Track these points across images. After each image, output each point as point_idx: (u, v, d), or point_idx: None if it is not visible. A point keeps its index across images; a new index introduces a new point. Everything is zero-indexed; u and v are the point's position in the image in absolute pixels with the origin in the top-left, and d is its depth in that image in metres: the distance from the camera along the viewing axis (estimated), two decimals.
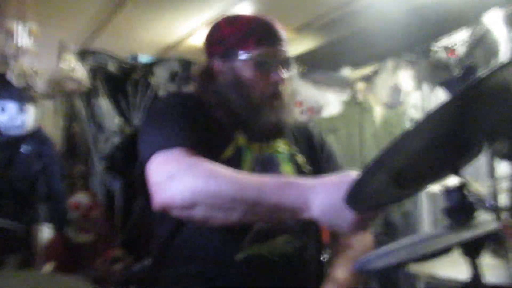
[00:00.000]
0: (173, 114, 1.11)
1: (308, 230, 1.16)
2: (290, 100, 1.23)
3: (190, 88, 1.36)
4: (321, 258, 1.24)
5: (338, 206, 0.82)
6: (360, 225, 0.86)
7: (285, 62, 1.20)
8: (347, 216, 0.83)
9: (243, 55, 1.16)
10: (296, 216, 0.87)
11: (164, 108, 1.17)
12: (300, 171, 1.21)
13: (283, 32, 1.21)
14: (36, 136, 2.40)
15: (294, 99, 1.28)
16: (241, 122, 1.17)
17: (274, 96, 1.18)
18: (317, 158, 1.29)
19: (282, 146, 1.22)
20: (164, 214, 1.08)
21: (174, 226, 1.12)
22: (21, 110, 2.32)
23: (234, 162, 1.10)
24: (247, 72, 1.16)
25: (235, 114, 1.17)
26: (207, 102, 1.19)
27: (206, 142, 1.07)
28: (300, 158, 1.23)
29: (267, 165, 1.17)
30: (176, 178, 0.92)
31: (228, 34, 1.19)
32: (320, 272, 1.19)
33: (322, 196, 0.85)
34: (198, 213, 0.91)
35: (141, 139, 1.09)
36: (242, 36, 1.17)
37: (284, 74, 1.19)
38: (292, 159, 1.22)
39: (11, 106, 2.31)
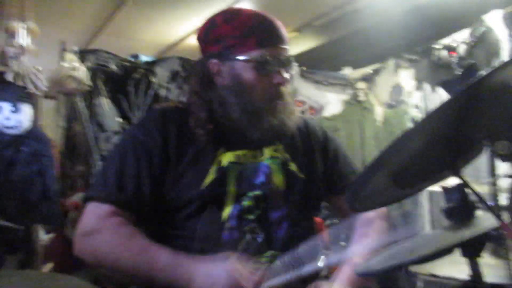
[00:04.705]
0: (125, 156, 1.12)
1: (298, 242, 1.11)
2: (291, 101, 1.19)
3: (186, 89, 1.30)
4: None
5: (215, 282, 0.94)
6: None
7: (287, 63, 1.15)
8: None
9: (242, 56, 1.11)
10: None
11: (123, 144, 1.17)
12: (292, 179, 1.16)
13: (284, 30, 1.16)
14: (34, 135, 2.39)
15: (295, 99, 1.24)
16: (234, 128, 1.13)
17: (276, 98, 1.13)
18: (316, 161, 1.24)
19: (273, 153, 1.17)
20: (160, 219, 1.09)
21: (166, 236, 1.11)
22: (16, 110, 2.32)
23: (216, 187, 1.08)
24: (247, 74, 1.11)
25: (232, 120, 1.13)
26: (197, 109, 1.15)
27: (167, 178, 1.10)
28: (293, 166, 1.18)
29: (255, 177, 1.13)
30: (88, 239, 1.05)
31: (225, 32, 1.13)
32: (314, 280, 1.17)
33: (203, 276, 0.96)
34: (104, 271, 1.09)
35: (99, 169, 1.15)
36: (241, 36, 1.11)
37: (286, 75, 1.15)
38: (284, 167, 1.17)
39: (5, 106, 2.31)
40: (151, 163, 1.10)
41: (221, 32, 1.14)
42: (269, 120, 1.12)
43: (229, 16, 1.15)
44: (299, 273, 0.96)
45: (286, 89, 1.16)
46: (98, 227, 1.05)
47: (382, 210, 1.28)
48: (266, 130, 1.13)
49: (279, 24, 1.15)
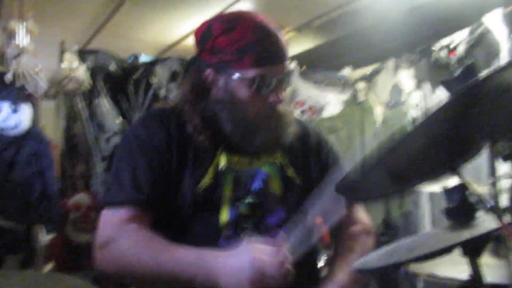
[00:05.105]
0: (133, 156, 1.09)
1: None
2: (287, 111, 1.16)
3: (180, 91, 1.26)
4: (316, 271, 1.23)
5: (240, 278, 0.91)
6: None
7: (284, 81, 1.11)
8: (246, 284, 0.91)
9: (238, 73, 1.06)
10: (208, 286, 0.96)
11: (128, 145, 1.14)
12: (289, 185, 1.15)
13: (284, 45, 1.10)
14: (34, 136, 2.40)
15: (294, 101, 1.22)
16: (229, 138, 1.11)
17: (271, 116, 1.11)
18: (312, 166, 1.22)
19: (271, 159, 1.16)
20: (159, 220, 1.09)
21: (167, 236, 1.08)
22: (16, 110, 2.32)
23: (212, 190, 1.08)
24: (242, 92, 1.07)
25: (224, 132, 1.11)
26: (190, 117, 1.12)
27: (173, 180, 1.08)
28: (291, 171, 1.17)
29: (252, 183, 1.12)
30: (107, 250, 1.02)
31: (222, 45, 1.07)
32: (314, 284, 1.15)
33: (227, 272, 0.93)
34: (128, 281, 1.05)
35: (109, 175, 1.16)
36: (238, 52, 1.05)
37: (282, 93, 1.11)
38: (282, 172, 1.15)
39: (4, 106, 2.31)
40: (160, 161, 1.08)
41: (218, 44, 1.08)
42: (263, 135, 1.10)
43: (227, 26, 1.08)
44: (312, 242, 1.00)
45: (281, 106, 1.13)
46: (115, 236, 1.02)
47: (368, 224, 1.27)
48: (261, 144, 1.11)
49: (279, 38, 1.08)
